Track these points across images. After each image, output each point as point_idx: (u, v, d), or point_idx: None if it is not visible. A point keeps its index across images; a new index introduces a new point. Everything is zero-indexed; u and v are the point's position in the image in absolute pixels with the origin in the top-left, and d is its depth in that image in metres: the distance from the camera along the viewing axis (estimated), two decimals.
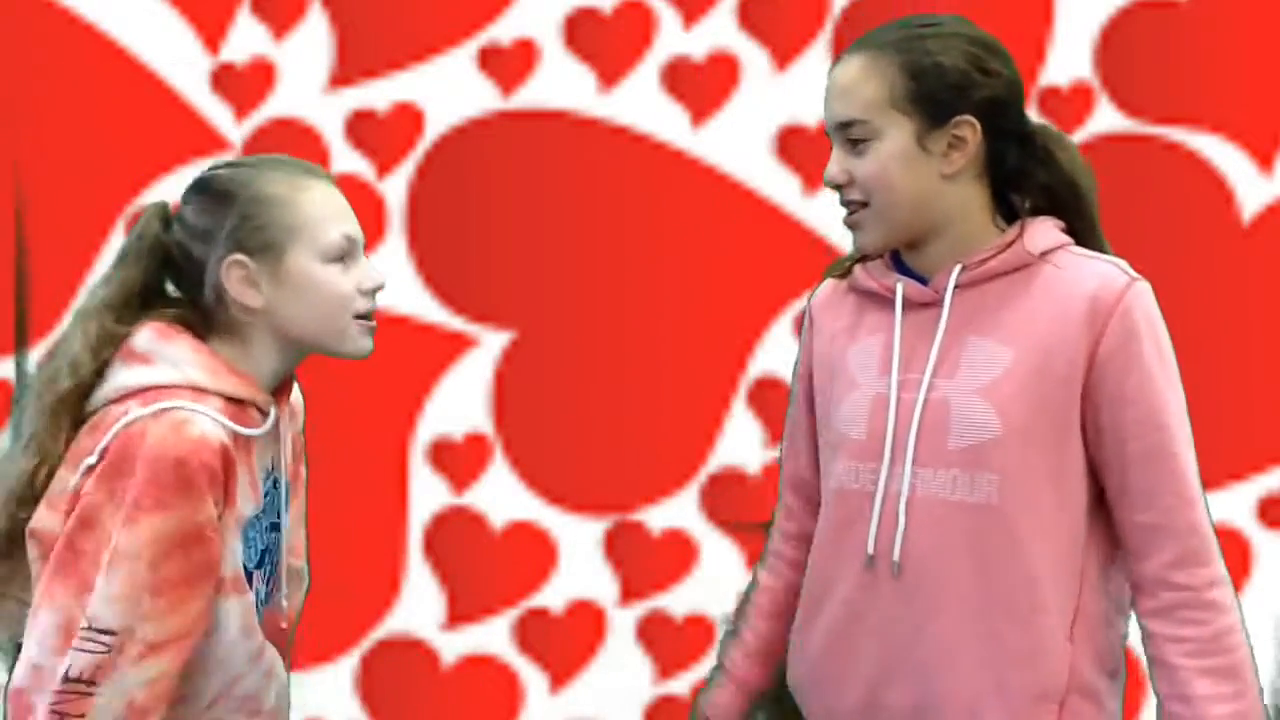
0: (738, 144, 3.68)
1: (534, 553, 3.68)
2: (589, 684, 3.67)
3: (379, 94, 3.74)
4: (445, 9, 3.73)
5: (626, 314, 3.68)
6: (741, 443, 3.67)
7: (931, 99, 2.02)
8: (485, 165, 3.71)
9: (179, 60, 3.74)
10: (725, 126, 3.68)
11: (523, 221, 3.70)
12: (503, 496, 3.68)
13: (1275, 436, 3.54)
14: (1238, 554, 3.52)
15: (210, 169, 2.01)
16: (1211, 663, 2.02)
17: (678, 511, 3.67)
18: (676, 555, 3.67)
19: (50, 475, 1.90)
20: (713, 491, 3.67)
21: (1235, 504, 3.52)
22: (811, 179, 3.66)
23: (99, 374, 1.91)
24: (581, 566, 3.68)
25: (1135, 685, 3.55)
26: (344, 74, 3.75)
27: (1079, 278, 2.02)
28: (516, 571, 3.69)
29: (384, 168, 3.73)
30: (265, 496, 1.97)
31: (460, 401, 3.70)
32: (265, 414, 1.95)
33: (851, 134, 2.06)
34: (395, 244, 3.71)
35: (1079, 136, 3.57)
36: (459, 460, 3.71)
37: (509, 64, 3.72)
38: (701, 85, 3.70)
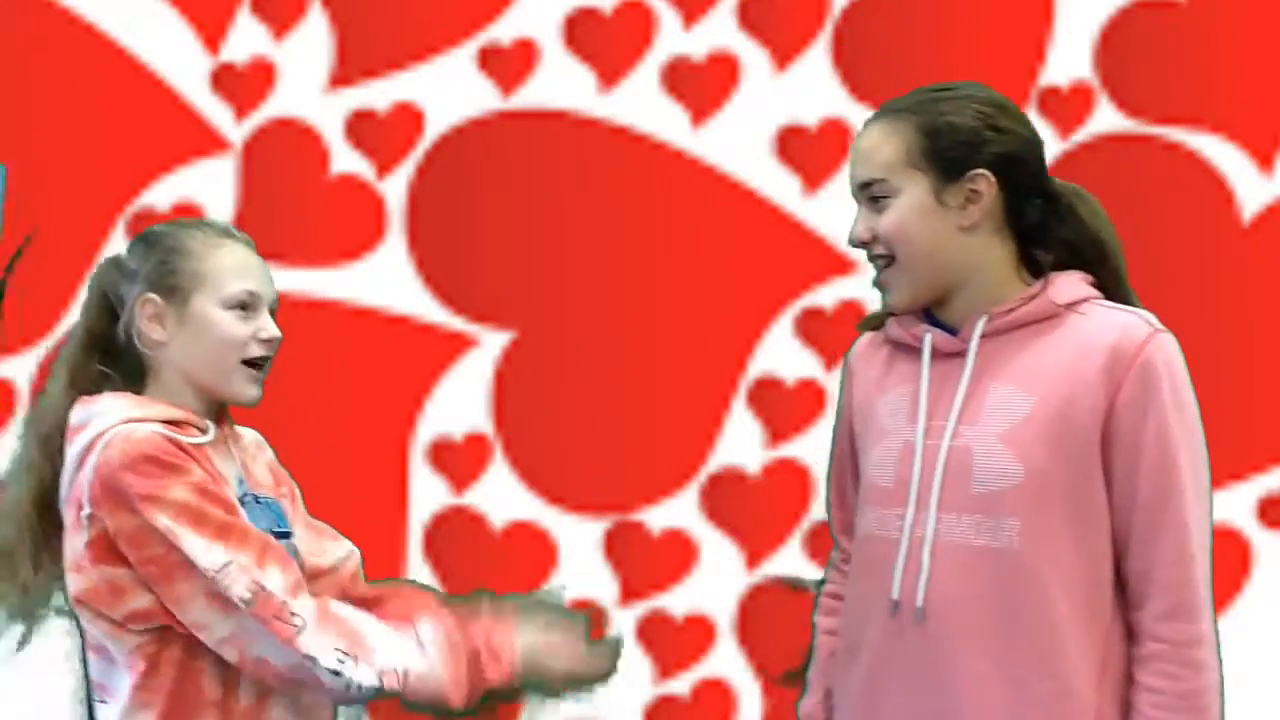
0: (738, 144, 3.68)
1: (534, 553, 3.68)
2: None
3: (379, 94, 3.74)
4: (445, 9, 3.73)
5: (626, 314, 3.68)
6: (741, 443, 3.67)
7: (945, 155, 2.11)
8: (485, 165, 3.71)
9: (179, 60, 3.74)
10: (725, 126, 3.68)
11: (523, 221, 3.70)
12: (503, 496, 3.68)
13: (1275, 436, 3.54)
14: (1238, 554, 3.52)
15: (151, 226, 2.32)
16: (1180, 719, 2.03)
17: (678, 511, 3.67)
18: (676, 555, 3.67)
19: (48, 489, 2.19)
20: (713, 491, 3.67)
21: (1235, 504, 3.51)
22: (811, 179, 3.66)
23: (57, 429, 2.19)
24: (581, 566, 3.68)
25: None
26: (344, 74, 3.75)
27: (1101, 327, 2.07)
28: (516, 571, 3.69)
29: (384, 168, 3.73)
30: (244, 497, 2.18)
31: (460, 401, 3.70)
32: (203, 430, 2.19)
33: (873, 193, 2.14)
34: (395, 244, 3.71)
35: (1079, 136, 3.58)
36: (459, 460, 3.71)
37: (509, 64, 3.72)
38: (701, 85, 3.70)
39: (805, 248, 3.66)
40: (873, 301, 3.72)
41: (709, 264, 3.66)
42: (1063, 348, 2.07)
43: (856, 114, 3.64)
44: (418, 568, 3.68)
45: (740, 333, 3.67)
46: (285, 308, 2.31)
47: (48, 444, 2.20)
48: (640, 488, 3.68)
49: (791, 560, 3.55)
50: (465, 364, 3.71)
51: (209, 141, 3.74)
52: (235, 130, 3.74)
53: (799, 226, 3.66)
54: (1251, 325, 3.51)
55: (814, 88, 3.67)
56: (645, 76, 3.70)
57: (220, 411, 2.26)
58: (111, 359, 2.23)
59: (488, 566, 3.67)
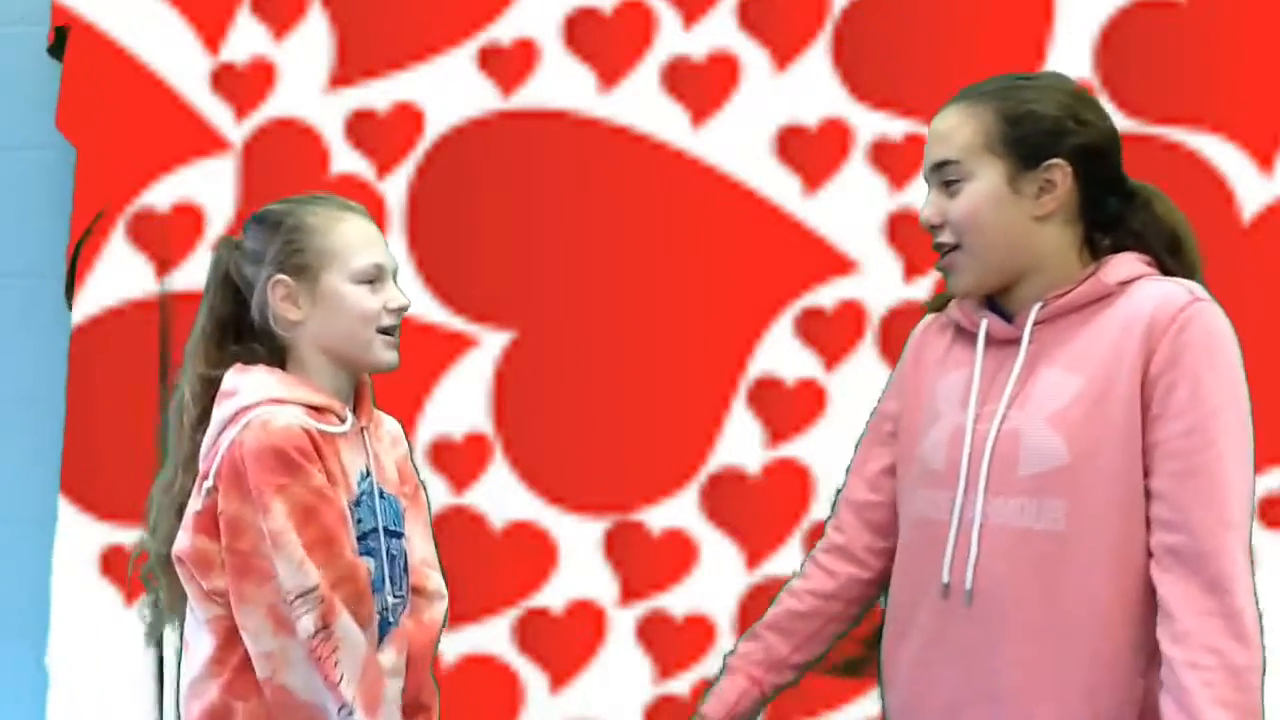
0: (738, 144, 3.68)
1: (534, 553, 3.68)
2: (589, 684, 3.67)
3: (379, 94, 3.74)
4: (445, 9, 3.73)
5: (626, 314, 3.68)
6: (741, 443, 3.66)
7: (1024, 142, 2.09)
8: (485, 165, 3.71)
9: (179, 60, 3.74)
10: (725, 126, 3.68)
11: (523, 221, 3.69)
12: (503, 496, 3.68)
13: (1275, 437, 3.54)
14: None
15: (267, 205, 2.35)
16: (1227, 695, 1.95)
17: (678, 511, 3.67)
18: (676, 555, 3.67)
19: (177, 477, 2.29)
20: (713, 491, 3.67)
21: None
22: (811, 179, 3.66)
23: (205, 411, 2.26)
24: (581, 566, 3.68)
25: None
26: (344, 74, 3.75)
27: (1143, 300, 2.06)
28: (516, 571, 3.69)
29: (384, 168, 3.73)
30: (362, 495, 2.25)
31: (460, 401, 3.70)
32: (342, 419, 2.25)
33: (946, 175, 2.11)
34: (395, 244, 3.70)
35: None
36: (459, 460, 3.71)
37: (509, 64, 3.72)
38: (701, 85, 3.69)
39: (805, 248, 3.65)
40: (872, 301, 3.73)
41: (709, 264, 3.66)
42: (1107, 325, 2.06)
43: (856, 114, 3.64)
44: None
45: (740, 333, 3.67)
46: None
47: (191, 437, 2.27)
48: (640, 488, 3.67)
49: (792, 560, 3.54)
50: (465, 364, 3.71)
51: (209, 141, 3.74)
52: (235, 130, 3.74)
53: (799, 226, 3.66)
54: (1251, 325, 3.49)
55: (814, 88, 3.66)
56: (645, 76, 3.70)
57: (361, 396, 2.32)
58: (243, 342, 2.29)
59: (488, 566, 3.67)
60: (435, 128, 3.72)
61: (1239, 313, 3.58)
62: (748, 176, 3.67)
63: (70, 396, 3.68)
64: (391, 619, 2.28)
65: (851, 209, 3.64)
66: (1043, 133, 2.09)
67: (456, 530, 3.67)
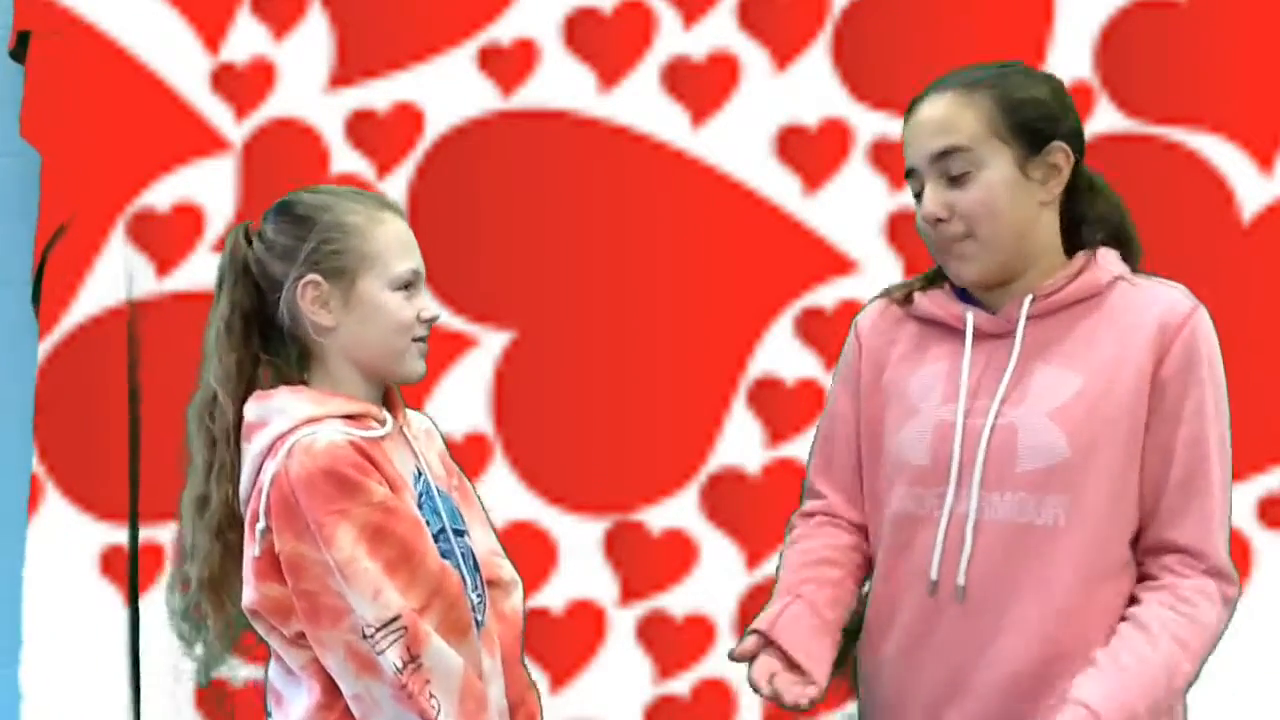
0: (738, 144, 3.68)
1: (534, 553, 3.68)
2: (589, 684, 3.67)
3: (379, 94, 3.74)
4: (445, 9, 3.73)
5: (626, 314, 3.68)
6: (741, 443, 3.66)
7: (1028, 127, 2.07)
8: (485, 165, 3.71)
9: (179, 60, 3.74)
10: (725, 126, 3.68)
11: (523, 221, 3.69)
12: (503, 496, 3.68)
13: (1275, 436, 3.54)
14: (1238, 554, 3.51)
15: (293, 193, 2.15)
16: (1184, 629, 2.02)
17: (678, 511, 3.67)
18: (676, 555, 3.67)
19: (210, 495, 2.07)
20: (713, 491, 3.67)
21: (1235, 504, 3.50)
22: (811, 179, 3.66)
23: (238, 414, 2.07)
24: (581, 566, 3.68)
25: None
26: (344, 74, 3.75)
27: (1145, 302, 2.07)
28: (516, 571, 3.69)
29: (384, 168, 3.73)
30: (421, 496, 2.10)
31: (460, 401, 3.70)
32: (381, 422, 2.10)
33: (952, 166, 2.07)
34: None
35: None
36: (459, 460, 3.69)
37: (509, 64, 3.72)
38: (701, 85, 3.69)
39: (805, 248, 3.65)
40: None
41: (709, 264, 3.66)
42: (1107, 324, 2.06)
43: (856, 114, 3.64)
44: None
45: (740, 333, 3.67)
46: None
47: (224, 446, 2.07)
48: (640, 488, 3.68)
49: None
50: (465, 364, 3.71)
51: (209, 141, 3.73)
52: (235, 130, 3.74)
53: (799, 226, 3.66)
54: (1251, 325, 3.50)
55: (814, 88, 3.66)
56: (645, 76, 3.70)
57: (390, 397, 2.17)
58: (265, 342, 2.11)
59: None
60: (435, 128, 3.72)
61: (1239, 313, 3.58)
62: (748, 176, 3.67)
63: (70, 396, 3.67)
64: (480, 619, 2.13)
65: (851, 209, 3.64)
66: (1042, 117, 2.08)
67: None
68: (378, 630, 1.95)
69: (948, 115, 2.07)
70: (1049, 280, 2.10)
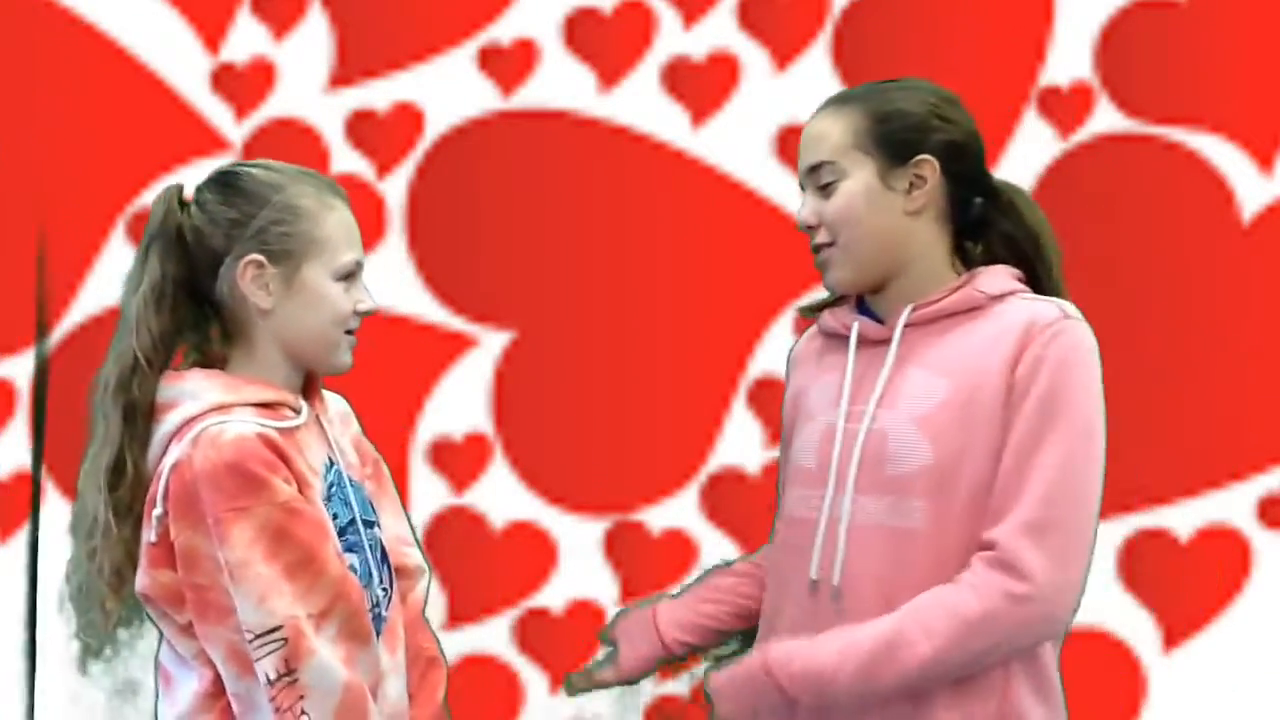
0: (738, 144, 3.68)
1: (534, 553, 3.68)
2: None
3: (379, 94, 3.74)
4: (445, 9, 3.73)
5: (626, 314, 3.68)
6: (741, 443, 3.67)
7: (892, 139, 2.14)
8: (485, 165, 3.71)
9: (179, 60, 3.74)
10: (725, 126, 3.68)
11: (523, 221, 3.70)
12: (503, 496, 3.68)
13: (1275, 436, 3.54)
14: (1238, 554, 3.52)
15: (237, 164, 2.08)
16: (931, 612, 2.01)
17: (678, 511, 3.67)
18: (676, 555, 3.67)
19: (125, 466, 1.96)
20: (713, 491, 3.67)
21: (1235, 504, 3.52)
22: None
23: (154, 379, 1.98)
24: (581, 566, 3.68)
25: (1135, 688, 3.56)
26: (344, 74, 3.75)
27: (1016, 315, 2.11)
28: (516, 571, 3.69)
29: (384, 168, 3.73)
30: (332, 487, 2.03)
31: (460, 401, 3.70)
32: (296, 410, 2.03)
33: (820, 177, 2.16)
34: (395, 244, 3.71)
35: (1079, 136, 3.58)
36: (459, 460, 3.71)
37: (509, 64, 3.72)
38: (701, 85, 3.70)
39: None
40: None
41: (709, 264, 3.66)
42: (979, 336, 2.10)
43: None
44: None
45: (740, 333, 3.67)
46: None
47: (143, 419, 1.98)
48: (640, 488, 3.68)
49: None
50: (465, 364, 3.71)
51: (209, 141, 3.74)
52: (235, 130, 3.74)
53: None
54: (1251, 325, 3.51)
55: (814, 88, 3.66)
56: (645, 76, 3.70)
57: (310, 382, 2.10)
58: (188, 313, 2.03)
59: (488, 566, 3.67)
60: (435, 128, 3.72)
61: (1239, 313, 3.58)
62: (748, 176, 3.67)
63: (69, 396, 3.68)
64: (383, 613, 2.09)
65: None
66: (909, 129, 2.14)
67: (456, 530, 3.68)
68: (256, 637, 1.90)
69: (820, 130, 2.18)
70: (934, 290, 2.16)
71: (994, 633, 2.02)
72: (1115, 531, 3.53)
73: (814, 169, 2.17)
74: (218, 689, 1.97)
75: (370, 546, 2.07)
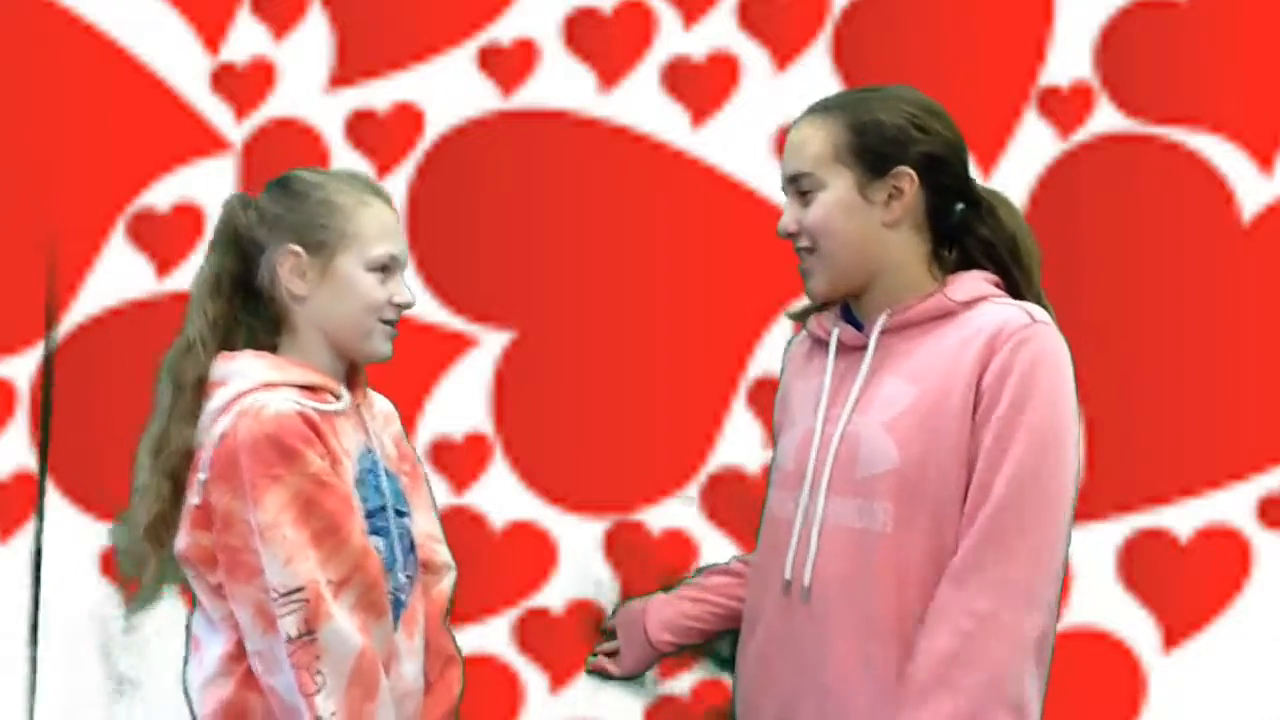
0: (738, 144, 3.68)
1: (534, 553, 3.68)
2: (589, 684, 3.67)
3: (379, 94, 3.74)
4: (445, 9, 3.73)
5: (626, 314, 3.68)
6: (741, 443, 3.67)
7: (870, 152, 2.18)
8: (485, 165, 3.71)
9: (179, 60, 3.74)
10: (725, 126, 3.68)
11: (523, 221, 3.70)
12: (503, 496, 3.68)
13: (1275, 436, 3.54)
14: (1238, 554, 3.52)
15: (295, 170, 2.29)
16: (924, 677, 2.04)
17: (678, 511, 3.67)
18: (676, 555, 3.67)
19: (170, 436, 2.16)
20: (713, 491, 3.67)
21: (1235, 504, 3.52)
22: None
23: (206, 365, 2.18)
24: (581, 566, 3.68)
25: (1135, 688, 3.56)
26: (344, 74, 3.75)
27: (984, 321, 2.14)
28: (516, 571, 3.69)
29: (384, 168, 3.73)
30: (365, 473, 2.19)
31: (460, 401, 3.70)
32: (338, 396, 2.20)
33: (801, 186, 2.20)
34: None
35: (1079, 136, 3.58)
36: (459, 460, 3.71)
37: (509, 64, 3.72)
38: (701, 85, 3.70)
39: None
40: None
41: (709, 264, 3.66)
42: (949, 341, 2.14)
43: None
44: None
45: (740, 333, 3.67)
46: None
47: (191, 394, 2.16)
48: (640, 488, 3.68)
49: None
50: (465, 364, 3.71)
51: (209, 141, 3.74)
52: (235, 130, 3.74)
53: None
54: (1251, 325, 3.51)
55: (814, 88, 3.66)
56: (645, 76, 3.70)
57: (354, 375, 2.26)
58: (244, 303, 2.22)
59: (488, 566, 3.67)
60: (435, 128, 3.72)
61: (1239, 313, 3.58)
62: (748, 176, 3.67)
63: (69, 396, 3.68)
64: (404, 599, 2.23)
65: None
66: (888, 141, 2.17)
67: (456, 530, 3.66)
68: (280, 596, 2.04)
69: (801, 139, 2.21)
70: (906, 299, 2.19)
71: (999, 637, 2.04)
72: (1115, 531, 3.53)
73: (794, 178, 2.20)
74: (240, 651, 2.12)
75: (399, 535, 2.22)
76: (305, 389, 2.15)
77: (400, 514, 2.24)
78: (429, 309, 3.69)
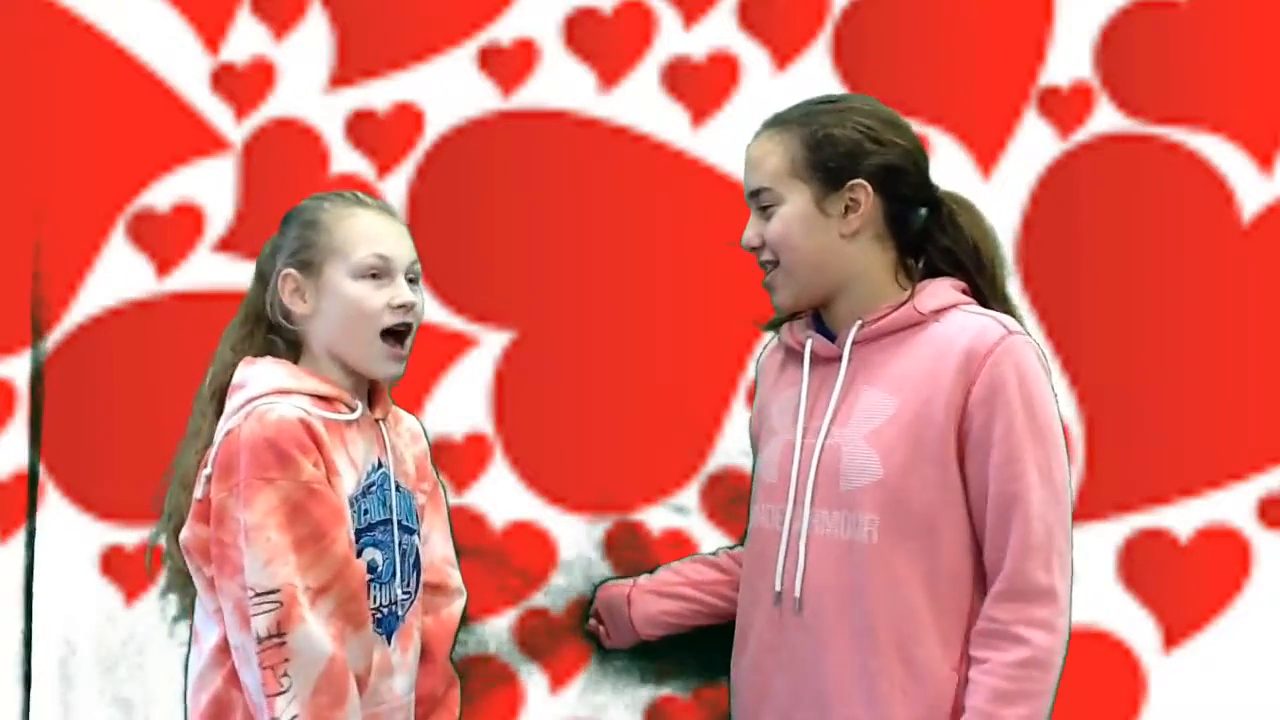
0: (738, 144, 3.66)
1: (534, 553, 3.68)
2: (589, 684, 3.67)
3: (379, 94, 3.74)
4: (445, 9, 3.73)
5: (626, 314, 3.68)
6: (741, 443, 3.66)
7: (825, 166, 2.24)
8: (485, 165, 3.71)
9: (179, 60, 3.74)
10: (725, 126, 3.68)
11: (523, 221, 3.70)
12: (503, 496, 3.68)
13: (1275, 436, 3.54)
14: (1238, 554, 3.52)
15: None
16: (1004, 685, 2.10)
17: (678, 511, 3.67)
18: (676, 555, 3.66)
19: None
20: (713, 491, 3.67)
21: (1235, 504, 3.52)
22: None
23: (223, 397, 2.28)
24: (581, 566, 3.68)
25: (1135, 688, 3.56)
26: (344, 74, 3.75)
27: (958, 331, 2.18)
28: (516, 571, 3.69)
29: (384, 168, 3.73)
30: (373, 485, 2.23)
31: (460, 401, 3.70)
32: (352, 408, 2.25)
33: (761, 201, 2.28)
34: None
35: (1079, 136, 3.58)
36: (459, 460, 3.71)
37: (509, 64, 3.72)
38: (701, 85, 3.70)
39: None
40: None
41: (709, 264, 3.66)
42: (924, 353, 2.19)
43: None
44: None
45: (740, 333, 3.66)
46: None
47: (217, 404, 2.28)
48: (640, 488, 3.68)
49: None
50: (465, 364, 3.71)
51: (209, 141, 3.74)
52: (235, 130, 3.74)
53: None
54: (1251, 325, 3.51)
55: (814, 88, 3.66)
56: (645, 76, 3.70)
57: (376, 391, 2.33)
58: (267, 333, 2.32)
59: (488, 566, 3.67)
60: (435, 128, 3.72)
61: (1239, 312, 3.58)
62: None
63: (68, 397, 3.68)
64: (399, 613, 2.26)
65: None
66: (841, 155, 2.23)
67: (456, 530, 3.66)
68: (255, 596, 2.09)
69: (759, 154, 2.29)
70: (880, 306, 2.22)
71: (1050, 659, 2.13)
72: (1115, 531, 3.53)
73: (754, 193, 2.27)
74: (227, 644, 2.18)
75: (403, 551, 2.26)
76: (319, 398, 2.20)
77: (409, 530, 2.29)
78: (429, 309, 3.67)
